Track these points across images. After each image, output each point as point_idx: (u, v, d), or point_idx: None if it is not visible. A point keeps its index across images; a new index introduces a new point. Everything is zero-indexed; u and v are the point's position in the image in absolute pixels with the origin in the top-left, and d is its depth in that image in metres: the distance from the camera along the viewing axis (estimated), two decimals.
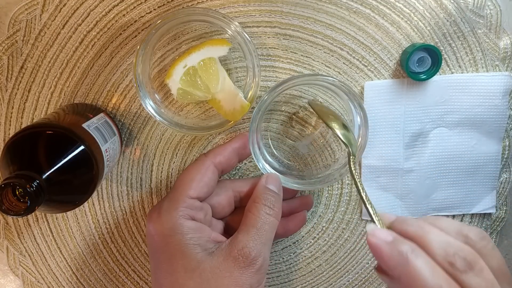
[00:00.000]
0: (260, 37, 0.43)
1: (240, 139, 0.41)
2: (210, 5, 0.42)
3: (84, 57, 0.43)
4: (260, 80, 0.39)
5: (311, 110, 0.43)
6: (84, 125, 0.37)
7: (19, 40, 0.42)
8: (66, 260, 0.47)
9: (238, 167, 0.45)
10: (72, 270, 0.47)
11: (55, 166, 0.34)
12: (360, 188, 0.34)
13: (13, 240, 0.46)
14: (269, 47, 0.43)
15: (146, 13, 0.42)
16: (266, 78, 0.43)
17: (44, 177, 0.33)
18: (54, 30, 0.42)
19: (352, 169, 0.36)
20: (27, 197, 0.31)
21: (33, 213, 0.42)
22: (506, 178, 0.46)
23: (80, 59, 0.43)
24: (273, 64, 0.43)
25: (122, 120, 0.44)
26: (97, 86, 0.43)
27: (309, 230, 0.46)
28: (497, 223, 0.47)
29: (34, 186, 0.31)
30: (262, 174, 0.40)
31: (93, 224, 0.46)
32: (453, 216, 0.47)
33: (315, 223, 0.46)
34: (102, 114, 0.42)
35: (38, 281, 0.47)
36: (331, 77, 0.38)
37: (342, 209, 0.46)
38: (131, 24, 0.42)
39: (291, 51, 0.43)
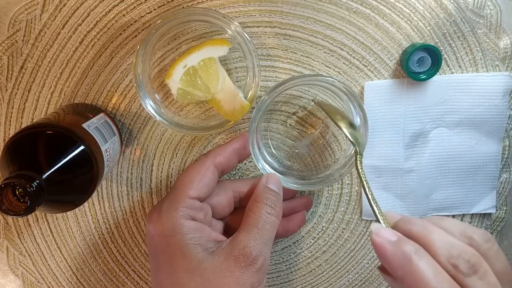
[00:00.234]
0: (260, 37, 0.43)
1: (240, 140, 0.41)
2: (210, 5, 0.42)
3: (84, 57, 0.43)
4: (260, 80, 0.39)
5: (311, 110, 0.43)
6: (84, 125, 0.37)
7: (19, 40, 0.42)
8: (66, 260, 0.47)
9: (238, 167, 0.45)
10: (72, 270, 0.47)
11: (55, 166, 0.34)
12: (366, 186, 0.34)
13: (13, 240, 0.46)
14: (269, 47, 0.43)
15: (146, 13, 0.42)
16: (266, 78, 0.43)
17: (44, 177, 0.33)
18: (54, 30, 0.42)
19: (359, 167, 0.36)
20: (27, 197, 0.31)
21: (33, 213, 0.42)
22: (506, 178, 0.46)
23: (80, 59, 0.43)
24: (273, 64, 0.43)
25: (122, 120, 0.44)
26: (97, 86, 0.43)
27: (309, 230, 0.46)
28: (497, 223, 0.47)
29: (34, 186, 0.31)
30: (262, 174, 0.40)
31: (93, 224, 0.46)
32: (453, 216, 0.47)
33: (315, 223, 0.46)
34: (102, 114, 0.42)
35: (38, 281, 0.47)
36: (331, 77, 0.38)
37: (342, 209, 0.46)
38: (131, 24, 0.42)
39: (291, 51, 0.43)
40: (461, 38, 0.43)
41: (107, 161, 0.38)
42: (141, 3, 0.42)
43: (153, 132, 0.44)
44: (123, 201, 0.46)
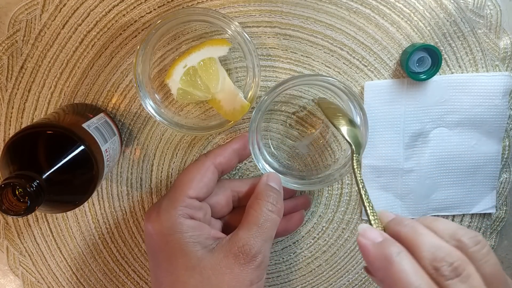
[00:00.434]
0: (260, 37, 0.43)
1: (240, 140, 0.41)
2: (210, 5, 0.42)
3: (84, 57, 0.43)
4: (260, 80, 0.39)
5: (311, 110, 0.43)
6: (84, 125, 0.37)
7: (19, 40, 0.42)
8: (66, 260, 0.47)
9: (238, 167, 0.45)
10: (72, 270, 0.47)
11: (55, 166, 0.34)
12: (360, 185, 0.34)
13: (13, 240, 0.46)
14: (269, 47, 0.43)
15: (146, 13, 0.42)
16: (266, 78, 0.43)
17: (44, 177, 0.33)
18: (54, 30, 0.42)
19: (355, 167, 0.36)
20: (27, 197, 0.31)
21: (33, 213, 0.42)
22: (506, 178, 0.46)
23: (80, 59, 0.43)
24: (273, 64, 0.43)
25: (122, 120, 0.44)
26: (97, 86, 0.43)
27: (309, 230, 0.46)
28: (497, 223, 0.47)
29: (34, 186, 0.31)
30: (262, 174, 0.40)
31: (93, 224, 0.46)
32: (453, 216, 0.47)
33: (315, 223, 0.46)
34: (102, 114, 0.42)
35: (38, 281, 0.47)
36: (331, 77, 0.38)
37: (342, 209, 0.46)
38: (131, 24, 0.42)
39: (291, 51, 0.43)
40: (461, 38, 0.43)
41: (107, 161, 0.38)
42: (141, 3, 0.42)
43: (153, 132, 0.44)
44: (123, 201, 0.46)
